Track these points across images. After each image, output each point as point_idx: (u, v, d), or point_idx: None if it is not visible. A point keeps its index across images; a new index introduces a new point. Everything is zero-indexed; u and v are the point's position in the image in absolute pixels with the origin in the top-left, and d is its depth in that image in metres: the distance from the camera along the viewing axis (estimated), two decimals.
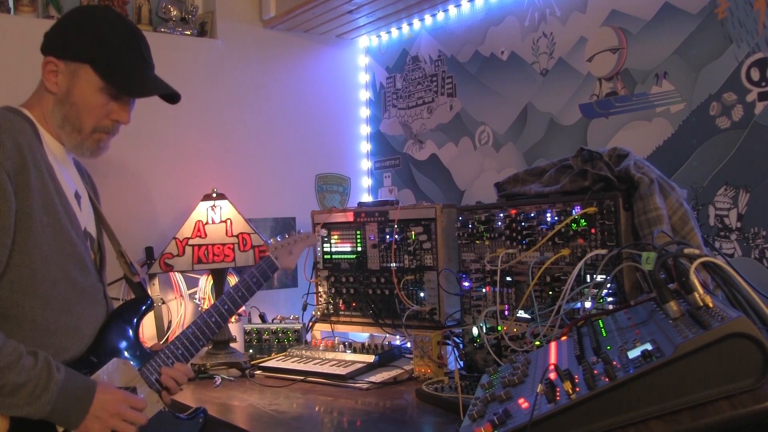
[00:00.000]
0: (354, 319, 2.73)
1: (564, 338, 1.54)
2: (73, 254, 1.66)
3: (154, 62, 1.80)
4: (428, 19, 3.16)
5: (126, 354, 1.73)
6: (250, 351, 2.70)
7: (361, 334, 2.87)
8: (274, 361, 2.56)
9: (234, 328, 2.77)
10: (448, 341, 2.38)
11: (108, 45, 1.70)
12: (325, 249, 2.81)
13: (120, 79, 1.70)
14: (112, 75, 1.69)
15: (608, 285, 1.81)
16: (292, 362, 2.51)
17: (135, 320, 1.80)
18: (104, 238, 1.89)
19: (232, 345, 2.68)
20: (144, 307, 1.84)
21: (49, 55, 1.69)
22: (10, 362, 1.46)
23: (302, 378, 2.38)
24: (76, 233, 1.67)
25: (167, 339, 2.81)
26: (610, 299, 1.83)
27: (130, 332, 1.78)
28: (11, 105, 1.71)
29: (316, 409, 2.07)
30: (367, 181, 3.54)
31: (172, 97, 1.81)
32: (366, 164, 3.55)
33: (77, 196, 1.76)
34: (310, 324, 2.83)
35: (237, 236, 2.74)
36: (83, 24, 1.72)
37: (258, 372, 2.52)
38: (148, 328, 2.81)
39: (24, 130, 1.60)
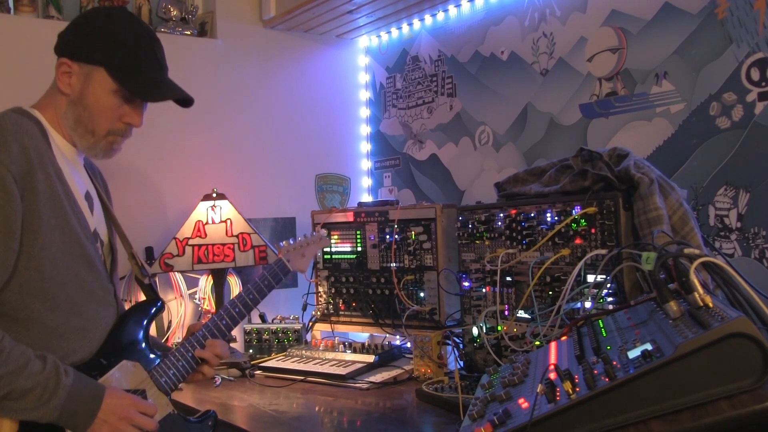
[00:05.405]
0: (354, 319, 2.73)
1: (564, 338, 1.54)
2: (82, 256, 1.65)
3: None
4: (428, 19, 3.16)
5: (135, 356, 1.72)
6: (250, 351, 2.70)
7: (361, 334, 2.87)
8: (274, 361, 2.56)
9: (234, 328, 2.77)
10: (448, 341, 2.38)
11: (123, 48, 1.68)
12: (325, 249, 2.80)
13: (134, 82, 1.69)
14: (127, 78, 1.68)
15: (608, 285, 1.81)
16: (292, 362, 2.51)
17: (145, 322, 1.79)
18: (116, 239, 1.87)
19: (232, 345, 2.68)
20: (155, 309, 1.82)
21: (62, 57, 1.68)
22: (17, 366, 1.45)
23: (302, 378, 2.38)
24: (85, 235, 1.66)
25: (167, 339, 2.81)
26: (610, 299, 1.83)
27: (140, 334, 1.76)
28: (16, 105, 1.70)
29: (316, 409, 2.07)
30: (367, 181, 3.54)
31: (185, 101, 1.80)
32: (366, 164, 3.55)
33: (88, 198, 1.75)
34: (310, 324, 2.83)
35: (237, 236, 2.74)
36: (98, 26, 1.71)
37: (258, 372, 2.52)
38: None
39: (31, 132, 1.59)
